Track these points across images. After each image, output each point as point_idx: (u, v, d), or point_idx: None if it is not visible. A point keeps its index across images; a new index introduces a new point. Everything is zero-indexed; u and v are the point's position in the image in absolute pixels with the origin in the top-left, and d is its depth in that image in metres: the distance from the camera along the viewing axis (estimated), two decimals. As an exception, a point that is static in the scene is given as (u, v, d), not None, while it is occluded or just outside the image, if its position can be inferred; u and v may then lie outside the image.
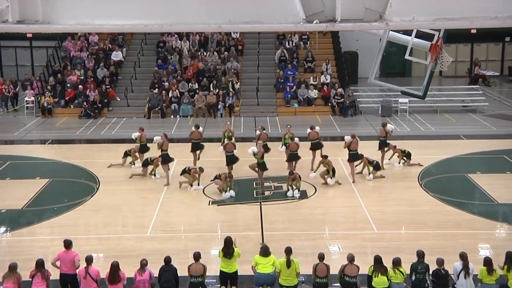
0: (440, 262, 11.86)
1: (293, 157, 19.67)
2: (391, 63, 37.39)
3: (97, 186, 19.45)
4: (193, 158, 20.63)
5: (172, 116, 29.73)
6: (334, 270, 12.07)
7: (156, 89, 30.28)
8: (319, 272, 11.85)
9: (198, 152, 20.61)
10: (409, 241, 15.14)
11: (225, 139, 21.15)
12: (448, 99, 31.08)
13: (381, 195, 18.72)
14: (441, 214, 16.96)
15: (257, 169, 18.84)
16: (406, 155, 20.81)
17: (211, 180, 18.57)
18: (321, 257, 11.96)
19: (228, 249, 12.12)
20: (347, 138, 19.52)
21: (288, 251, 11.97)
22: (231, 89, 30.47)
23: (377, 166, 19.68)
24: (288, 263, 11.84)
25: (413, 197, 18.34)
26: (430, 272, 11.91)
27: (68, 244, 12.15)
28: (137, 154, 20.92)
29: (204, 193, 18.68)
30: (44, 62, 34.40)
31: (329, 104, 30.09)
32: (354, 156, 19.41)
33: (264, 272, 11.92)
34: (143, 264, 11.92)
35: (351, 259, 11.89)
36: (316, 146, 20.47)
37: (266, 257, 11.97)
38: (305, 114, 29.58)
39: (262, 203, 17.84)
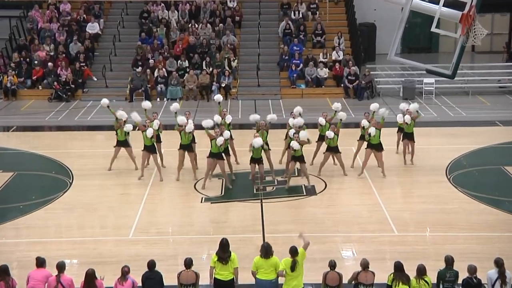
0: (472, 269, 11.86)
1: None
2: (415, 37, 37.32)
3: (70, 181, 19.45)
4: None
5: (158, 99, 29.71)
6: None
7: (140, 68, 30.24)
8: (330, 281, 11.85)
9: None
10: (435, 245, 15.17)
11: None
12: (481, 79, 31.06)
13: (402, 191, 18.75)
14: (473, 213, 16.98)
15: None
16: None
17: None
18: (332, 265, 11.95)
19: (224, 253, 12.11)
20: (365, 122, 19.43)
21: (294, 251, 11.99)
22: (227, 68, 30.43)
23: None
24: (293, 267, 11.86)
25: (440, 193, 18.34)
26: (460, 281, 11.92)
27: (41, 263, 12.08)
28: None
29: (195, 189, 18.70)
30: (6, 34, 34.24)
31: (342, 85, 30.06)
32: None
33: (266, 279, 11.90)
34: (125, 272, 11.92)
35: (365, 265, 11.89)
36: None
37: (267, 258, 11.95)
38: (314, 96, 29.54)
39: (263, 201, 17.87)
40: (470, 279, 11.80)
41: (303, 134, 18.31)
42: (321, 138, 19.83)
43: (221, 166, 18.58)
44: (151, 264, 12.02)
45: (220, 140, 18.11)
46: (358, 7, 34.60)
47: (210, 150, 18.55)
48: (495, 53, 37.51)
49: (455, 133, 24.07)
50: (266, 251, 11.99)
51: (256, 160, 18.51)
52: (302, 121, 19.14)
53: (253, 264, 12.04)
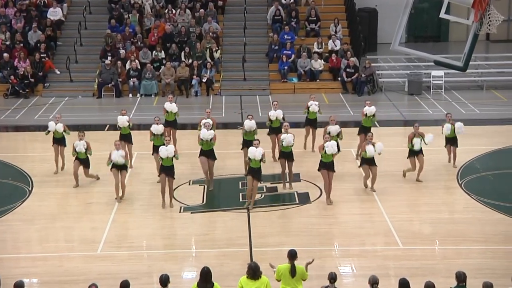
0: (487, 287, 11.91)
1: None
2: (422, 24, 37.41)
3: (30, 189, 19.39)
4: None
5: (130, 95, 29.66)
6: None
7: (109, 59, 30.19)
8: (329, 298, 11.89)
9: None
10: (445, 260, 15.21)
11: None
12: (497, 71, 31.15)
13: (408, 198, 18.77)
14: (488, 223, 17.03)
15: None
16: None
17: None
18: (333, 277, 11.87)
19: (205, 284, 11.97)
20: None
21: (293, 255, 12.06)
22: (208, 59, 30.43)
23: None
24: (293, 271, 11.89)
25: (451, 201, 18.46)
26: (474, 300, 11.97)
27: None
28: None
29: (173, 197, 18.68)
30: (-44, 22, 34.18)
31: (339, 78, 30.13)
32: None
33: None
34: (92, 292, 11.91)
35: (373, 282, 11.87)
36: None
37: (256, 279, 11.91)
38: (307, 91, 29.44)
39: (250, 210, 17.89)
40: (485, 297, 11.84)
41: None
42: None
43: (210, 165, 18.63)
44: (125, 285, 11.95)
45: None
46: (357, -10, 34.74)
47: (201, 149, 18.69)
48: (512, 42, 37.75)
49: (468, 132, 24.05)
50: (254, 271, 11.93)
51: (286, 154, 18.74)
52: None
53: (238, 284, 11.96)
